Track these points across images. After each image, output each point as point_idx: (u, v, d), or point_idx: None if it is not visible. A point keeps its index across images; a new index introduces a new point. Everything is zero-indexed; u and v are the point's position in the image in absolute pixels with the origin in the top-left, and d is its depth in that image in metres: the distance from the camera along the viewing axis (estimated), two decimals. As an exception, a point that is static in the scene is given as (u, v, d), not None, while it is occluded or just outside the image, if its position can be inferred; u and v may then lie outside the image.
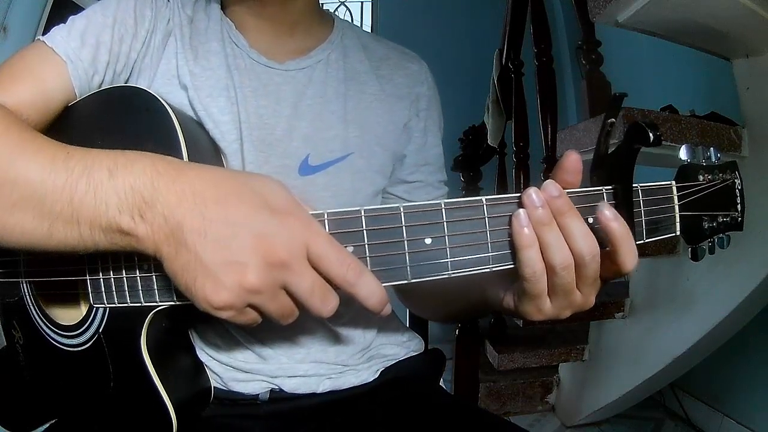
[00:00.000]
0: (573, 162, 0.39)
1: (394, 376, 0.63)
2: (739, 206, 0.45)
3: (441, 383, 0.70)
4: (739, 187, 0.45)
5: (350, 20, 3.17)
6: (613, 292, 1.63)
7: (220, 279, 0.35)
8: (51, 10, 1.79)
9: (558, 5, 2.81)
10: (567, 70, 2.82)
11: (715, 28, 1.05)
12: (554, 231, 0.38)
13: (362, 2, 3.24)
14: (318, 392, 0.58)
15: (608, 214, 0.38)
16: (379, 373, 0.62)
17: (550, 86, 1.68)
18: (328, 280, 0.37)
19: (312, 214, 0.38)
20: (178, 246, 0.36)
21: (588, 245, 0.38)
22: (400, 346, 0.65)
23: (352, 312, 0.60)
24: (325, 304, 0.37)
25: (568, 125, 1.43)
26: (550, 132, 1.62)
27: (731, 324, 1.27)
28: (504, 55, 1.86)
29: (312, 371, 0.58)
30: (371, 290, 0.37)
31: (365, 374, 0.61)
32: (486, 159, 1.99)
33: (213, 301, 0.36)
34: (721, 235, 0.44)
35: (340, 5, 3.21)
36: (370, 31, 3.13)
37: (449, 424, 0.57)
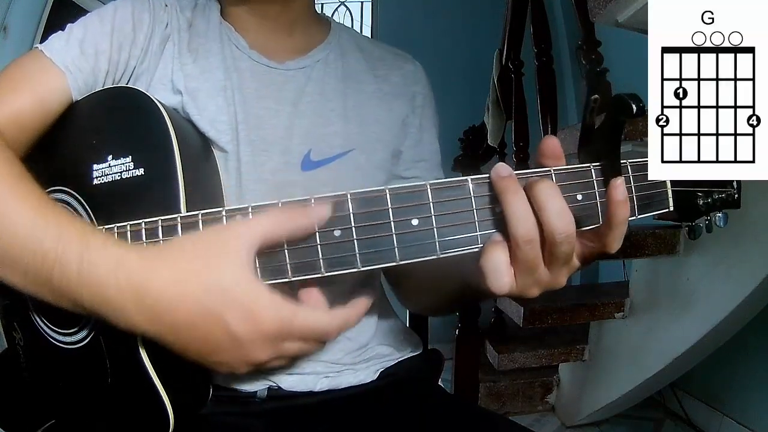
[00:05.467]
0: (551, 146, 0.40)
1: (392, 376, 0.63)
2: (735, 183, 0.44)
3: (440, 383, 0.70)
4: None
5: (350, 20, 3.18)
6: (613, 292, 1.63)
7: (217, 368, 0.40)
8: (51, 10, 1.79)
9: (558, 5, 2.80)
10: (567, 70, 2.82)
11: (715, 28, 1.04)
12: (520, 201, 0.37)
13: (362, 2, 3.23)
14: (316, 390, 0.58)
15: (619, 195, 0.37)
16: (378, 373, 0.62)
17: (550, 86, 1.68)
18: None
19: (299, 200, 0.39)
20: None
21: (562, 223, 0.37)
22: (398, 346, 0.65)
23: None
24: (319, 347, 0.42)
25: (568, 125, 1.44)
26: (550, 132, 1.62)
27: (731, 324, 1.27)
28: (504, 55, 1.86)
29: (309, 369, 0.58)
30: (350, 326, 0.42)
31: (363, 374, 0.61)
32: (486, 159, 1.99)
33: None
34: (718, 213, 0.44)
35: (340, 5, 3.21)
36: (370, 31, 3.14)
37: (449, 423, 0.57)
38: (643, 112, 0.36)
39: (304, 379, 0.57)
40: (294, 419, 0.57)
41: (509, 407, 1.82)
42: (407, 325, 0.76)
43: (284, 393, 0.57)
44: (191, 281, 0.37)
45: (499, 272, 0.38)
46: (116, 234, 0.45)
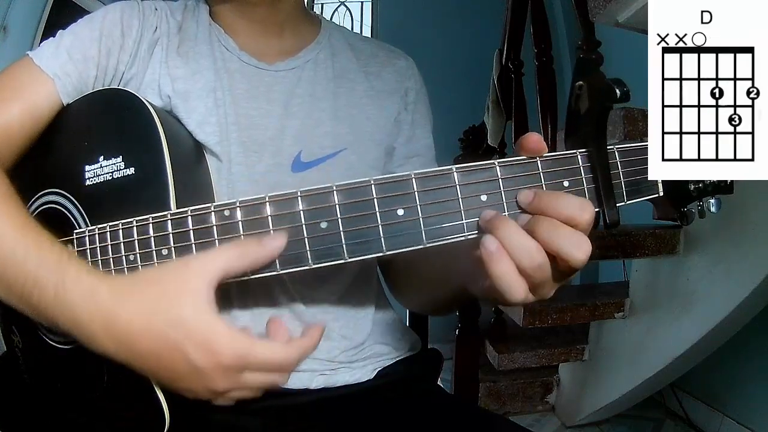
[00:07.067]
0: (534, 142, 0.39)
1: (390, 376, 0.62)
2: None
3: (440, 383, 0.70)
4: None
5: (350, 20, 3.19)
6: (614, 292, 1.63)
7: (185, 394, 0.43)
8: (51, 10, 1.79)
9: (558, 5, 2.80)
10: (567, 70, 2.82)
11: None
12: (515, 233, 0.37)
13: (362, 2, 3.24)
14: (311, 388, 0.58)
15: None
16: (375, 372, 0.62)
17: (550, 86, 1.68)
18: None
19: (285, 193, 0.40)
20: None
21: (580, 252, 0.36)
22: (396, 345, 0.65)
23: (342, 310, 0.60)
24: (283, 379, 0.44)
25: (568, 125, 1.43)
26: (550, 132, 1.62)
27: (731, 324, 1.27)
28: (504, 55, 1.87)
29: (305, 366, 0.57)
30: (308, 354, 0.43)
31: (360, 373, 0.61)
32: (486, 159, 2.00)
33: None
34: (710, 198, 0.43)
35: (340, 5, 3.21)
36: (370, 31, 3.14)
37: (449, 424, 0.57)
38: (627, 97, 0.36)
39: (300, 377, 0.57)
40: (291, 417, 0.57)
41: (509, 407, 1.82)
42: (407, 324, 0.76)
43: (280, 390, 0.57)
44: (156, 315, 0.40)
45: (509, 284, 0.38)
46: (108, 232, 0.46)
